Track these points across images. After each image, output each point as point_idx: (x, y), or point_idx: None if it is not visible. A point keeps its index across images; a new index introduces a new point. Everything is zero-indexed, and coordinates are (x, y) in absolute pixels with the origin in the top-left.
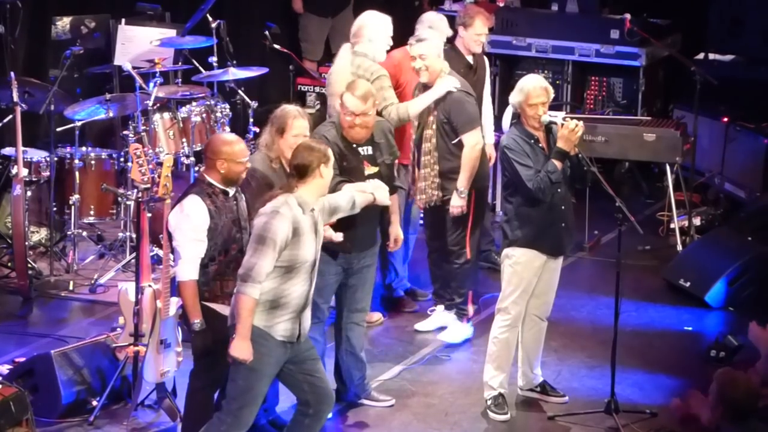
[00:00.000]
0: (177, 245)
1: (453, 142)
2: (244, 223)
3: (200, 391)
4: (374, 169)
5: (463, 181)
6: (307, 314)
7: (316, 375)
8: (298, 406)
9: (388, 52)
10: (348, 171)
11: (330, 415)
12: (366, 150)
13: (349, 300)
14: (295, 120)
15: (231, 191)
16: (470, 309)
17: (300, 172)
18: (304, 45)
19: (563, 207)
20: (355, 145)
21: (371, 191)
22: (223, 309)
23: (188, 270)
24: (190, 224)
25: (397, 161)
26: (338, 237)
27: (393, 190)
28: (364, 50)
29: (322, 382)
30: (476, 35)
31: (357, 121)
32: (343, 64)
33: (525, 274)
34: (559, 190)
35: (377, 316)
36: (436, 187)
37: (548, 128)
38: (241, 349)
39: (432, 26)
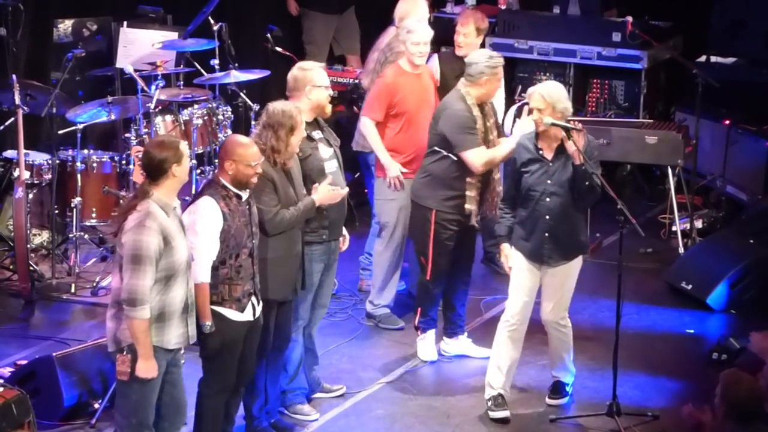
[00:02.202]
0: (191, 247)
1: None
2: (255, 229)
3: (210, 397)
4: (330, 151)
5: None
6: (194, 314)
7: (177, 388)
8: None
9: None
10: (305, 162)
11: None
12: (318, 134)
13: (315, 297)
14: (303, 115)
15: (244, 195)
16: None
17: (152, 173)
18: (309, 47)
19: (548, 217)
20: (307, 132)
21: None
22: (230, 313)
23: (203, 272)
24: (203, 225)
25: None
26: (341, 191)
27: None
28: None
29: (182, 392)
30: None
31: (331, 92)
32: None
33: (514, 270)
34: (548, 199)
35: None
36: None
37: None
38: (147, 369)
39: None
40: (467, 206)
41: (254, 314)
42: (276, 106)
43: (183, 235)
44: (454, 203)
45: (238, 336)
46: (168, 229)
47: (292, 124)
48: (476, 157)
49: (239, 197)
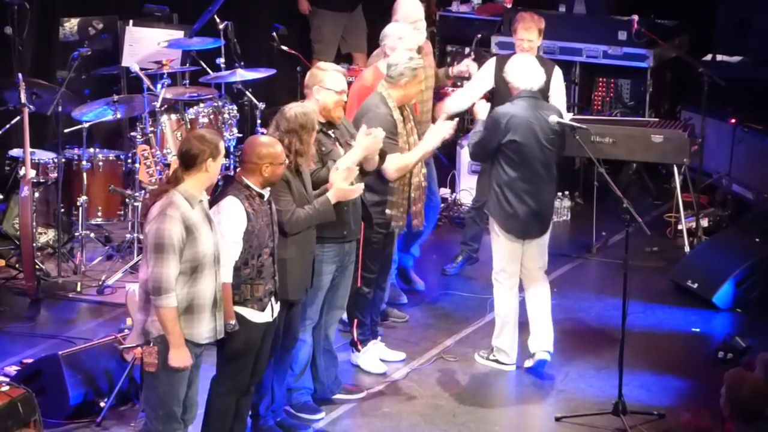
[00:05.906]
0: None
1: None
2: (275, 228)
3: (223, 396)
4: (341, 153)
5: None
6: (221, 310)
7: (194, 384)
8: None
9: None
10: (326, 155)
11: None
12: (333, 132)
13: (331, 298)
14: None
15: (266, 194)
16: None
17: (186, 162)
18: (317, 46)
19: None
20: (324, 129)
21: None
22: (251, 314)
23: (226, 273)
24: (228, 226)
25: None
26: (358, 189)
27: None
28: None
29: (196, 392)
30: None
31: (344, 98)
32: None
33: None
34: None
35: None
36: None
37: None
38: (179, 357)
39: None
40: (387, 211)
41: (272, 314)
42: (294, 109)
43: (209, 228)
44: (381, 208)
45: (258, 337)
46: (191, 219)
47: (312, 124)
48: (389, 164)
49: (261, 196)
